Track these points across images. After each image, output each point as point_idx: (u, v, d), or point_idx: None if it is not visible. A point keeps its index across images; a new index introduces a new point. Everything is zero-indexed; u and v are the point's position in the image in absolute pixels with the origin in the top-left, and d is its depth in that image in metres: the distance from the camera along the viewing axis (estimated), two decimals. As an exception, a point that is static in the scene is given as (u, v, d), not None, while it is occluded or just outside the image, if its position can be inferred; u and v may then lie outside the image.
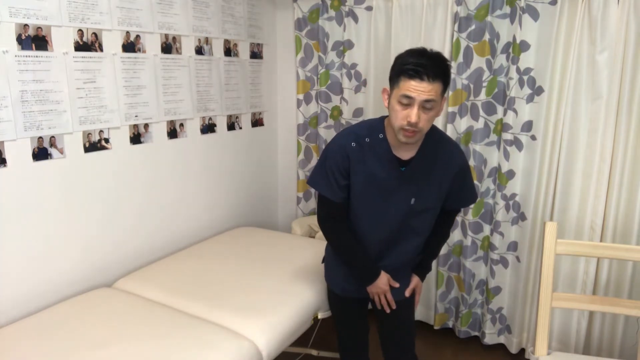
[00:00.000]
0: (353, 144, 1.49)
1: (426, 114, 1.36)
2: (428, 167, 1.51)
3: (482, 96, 2.30)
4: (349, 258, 1.61)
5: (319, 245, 2.17)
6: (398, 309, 1.66)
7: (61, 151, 1.69)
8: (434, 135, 1.53)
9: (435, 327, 2.65)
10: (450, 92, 2.32)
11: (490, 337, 2.51)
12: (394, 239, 1.59)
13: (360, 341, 1.81)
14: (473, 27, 2.26)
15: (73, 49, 1.68)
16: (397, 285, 1.62)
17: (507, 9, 2.22)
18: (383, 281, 1.59)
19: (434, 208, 1.58)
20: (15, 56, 1.52)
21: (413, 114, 1.33)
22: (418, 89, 1.32)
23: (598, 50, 2.04)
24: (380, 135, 1.50)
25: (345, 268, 1.65)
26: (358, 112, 2.64)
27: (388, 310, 1.64)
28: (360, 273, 1.61)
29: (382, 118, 1.54)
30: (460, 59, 2.28)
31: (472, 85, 2.32)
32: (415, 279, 1.68)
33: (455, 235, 2.48)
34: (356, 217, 1.56)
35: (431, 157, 1.51)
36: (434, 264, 2.58)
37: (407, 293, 1.66)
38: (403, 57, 1.38)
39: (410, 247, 1.62)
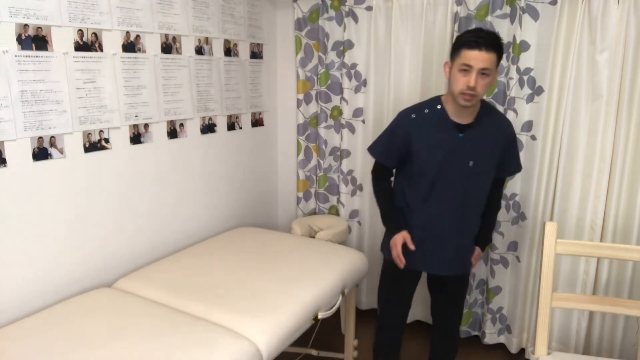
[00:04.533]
0: (413, 115, 1.77)
1: (483, 80, 1.59)
2: (483, 134, 1.74)
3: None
4: (384, 203, 1.87)
5: (319, 245, 2.18)
6: (451, 283, 1.89)
7: (61, 151, 1.69)
8: (489, 109, 1.78)
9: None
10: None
11: (490, 336, 2.51)
12: (456, 206, 1.76)
13: (402, 318, 1.98)
14: (473, 27, 2.26)
15: (73, 49, 1.68)
16: (412, 248, 1.79)
17: (507, 9, 2.22)
18: (401, 235, 1.80)
19: (489, 172, 1.77)
20: (15, 56, 1.52)
21: (472, 79, 1.57)
22: (477, 58, 1.56)
23: (598, 50, 2.04)
24: (439, 107, 1.75)
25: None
26: (358, 112, 2.64)
27: (401, 266, 1.81)
28: (391, 219, 1.85)
29: (439, 95, 1.80)
30: (460, 59, 2.28)
31: (472, 85, 2.32)
32: (477, 250, 1.89)
33: (455, 235, 2.49)
34: (422, 179, 1.77)
35: (486, 125, 1.74)
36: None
37: (473, 259, 1.88)
38: (465, 33, 1.63)
39: (471, 217, 1.80)
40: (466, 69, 1.58)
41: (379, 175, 1.90)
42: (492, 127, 1.75)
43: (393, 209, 1.86)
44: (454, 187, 1.74)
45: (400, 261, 1.81)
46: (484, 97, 2.31)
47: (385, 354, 2.03)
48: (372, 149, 1.89)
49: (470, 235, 1.84)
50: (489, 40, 1.56)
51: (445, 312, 1.96)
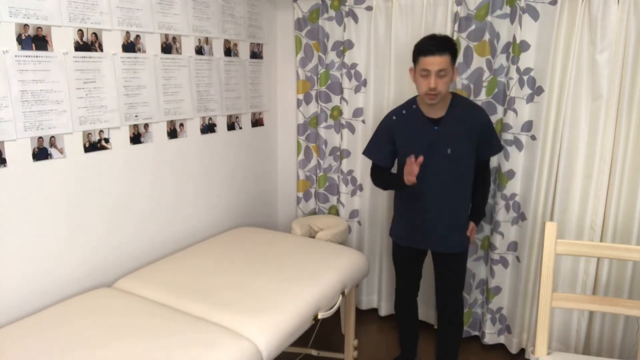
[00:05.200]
0: (393, 117, 2.04)
1: (442, 79, 1.82)
2: (456, 123, 1.94)
3: (482, 96, 2.30)
4: (387, 179, 2.08)
5: (319, 245, 2.18)
6: (450, 259, 2.06)
7: (61, 151, 1.69)
8: (461, 101, 1.98)
9: (436, 327, 2.65)
10: (450, 92, 2.33)
11: (490, 337, 2.51)
12: (444, 189, 1.96)
13: (413, 284, 2.23)
14: (473, 27, 2.26)
15: (73, 49, 1.68)
16: (421, 159, 1.81)
17: (507, 9, 2.22)
18: (406, 166, 1.86)
19: (468, 156, 1.95)
20: (15, 56, 1.52)
21: (432, 81, 1.81)
22: (432, 62, 1.79)
23: (598, 50, 2.04)
24: (414, 106, 2.00)
25: (405, 222, 2.09)
26: (358, 112, 2.64)
27: (414, 178, 1.85)
28: (396, 181, 2.00)
29: (415, 96, 2.02)
30: (460, 59, 2.28)
31: (472, 85, 2.32)
32: (471, 224, 2.08)
33: (455, 235, 2.49)
34: None
35: (458, 115, 1.94)
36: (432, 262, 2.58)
37: (469, 233, 2.06)
38: (420, 42, 1.85)
39: (458, 198, 1.99)
40: (425, 73, 1.82)
41: (378, 171, 2.13)
42: (463, 115, 1.95)
43: (392, 174, 2.07)
44: (438, 173, 1.96)
45: (415, 169, 1.83)
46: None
47: (402, 312, 2.29)
48: (366, 152, 2.15)
49: (461, 214, 2.03)
50: (440, 45, 1.79)
51: (445, 288, 2.13)
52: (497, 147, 2.05)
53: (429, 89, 1.82)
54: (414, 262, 2.18)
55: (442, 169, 1.95)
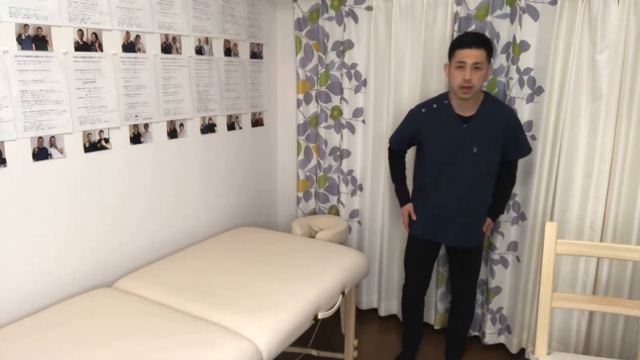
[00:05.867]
0: (423, 109, 2.07)
1: (476, 73, 1.86)
2: (485, 122, 1.97)
3: (482, 96, 2.30)
4: (396, 178, 2.24)
5: (319, 245, 2.18)
6: (465, 253, 2.14)
7: (61, 151, 1.69)
8: (491, 100, 2.01)
9: (436, 327, 2.65)
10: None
11: (490, 337, 2.51)
12: (465, 187, 2.00)
13: (422, 281, 2.26)
14: (473, 27, 2.26)
15: (73, 49, 1.68)
16: (414, 217, 2.17)
17: (507, 9, 2.22)
18: (406, 208, 2.20)
19: (493, 156, 1.99)
20: (15, 56, 1.52)
21: (467, 72, 1.85)
22: (469, 54, 1.84)
23: (598, 50, 2.04)
24: (445, 102, 2.03)
25: (423, 214, 2.15)
26: (358, 112, 2.64)
27: (407, 230, 2.22)
28: (399, 194, 2.23)
29: (447, 92, 2.06)
30: (460, 59, 2.28)
31: (472, 85, 2.31)
32: (488, 220, 2.14)
33: (455, 235, 2.48)
34: (432, 164, 2.04)
35: (488, 115, 1.97)
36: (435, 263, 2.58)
37: (484, 229, 2.12)
38: (456, 38, 1.91)
39: (478, 196, 2.02)
40: (461, 65, 1.86)
41: (393, 153, 2.26)
42: (493, 116, 1.97)
43: (402, 187, 2.22)
44: (461, 170, 1.99)
45: (405, 227, 2.22)
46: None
47: (409, 309, 2.32)
48: (390, 140, 2.24)
49: (479, 212, 2.06)
50: (477, 39, 1.84)
51: (460, 281, 2.20)
52: (525, 149, 2.07)
53: (464, 80, 1.85)
54: (426, 258, 2.21)
55: (465, 166, 1.98)
